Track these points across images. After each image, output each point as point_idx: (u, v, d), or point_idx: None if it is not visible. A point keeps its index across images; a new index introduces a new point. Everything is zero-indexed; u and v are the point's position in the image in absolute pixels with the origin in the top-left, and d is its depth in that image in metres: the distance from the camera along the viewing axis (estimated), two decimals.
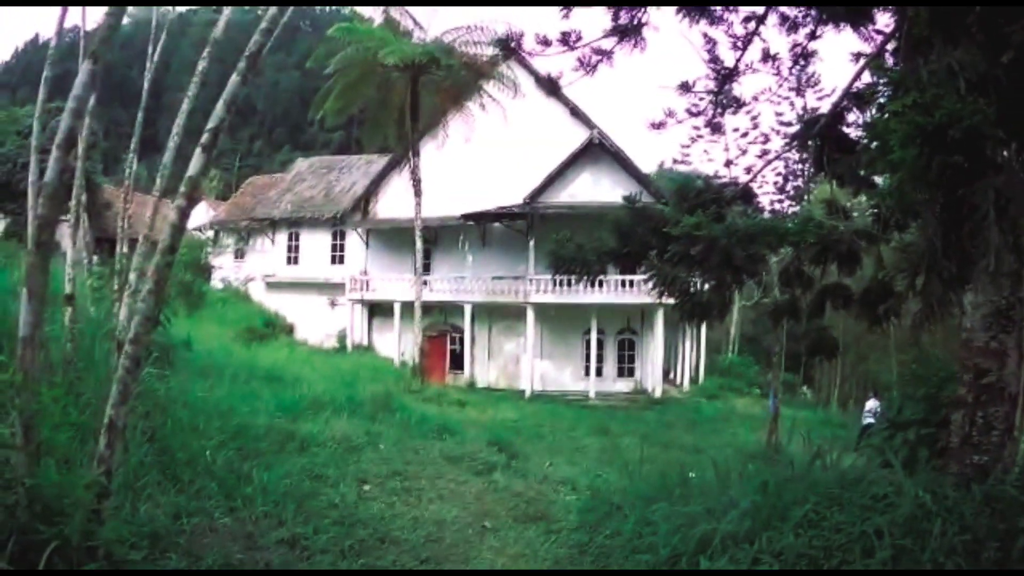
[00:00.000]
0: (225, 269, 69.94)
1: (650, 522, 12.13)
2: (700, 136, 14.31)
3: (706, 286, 13.40)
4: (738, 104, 15.50)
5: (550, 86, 14.59)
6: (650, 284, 13.23)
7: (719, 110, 15.60)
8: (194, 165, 9.57)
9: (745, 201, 14.87)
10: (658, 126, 15.44)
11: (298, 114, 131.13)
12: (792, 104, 15.74)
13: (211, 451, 13.53)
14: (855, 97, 13.61)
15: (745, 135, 14.83)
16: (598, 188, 51.36)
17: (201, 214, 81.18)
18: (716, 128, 16.05)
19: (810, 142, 14.24)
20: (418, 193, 46.46)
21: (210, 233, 73.67)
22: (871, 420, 35.15)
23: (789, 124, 15.49)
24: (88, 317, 17.82)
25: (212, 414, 16.02)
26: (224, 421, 16.04)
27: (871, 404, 37.18)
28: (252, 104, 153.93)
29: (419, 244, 46.64)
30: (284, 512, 12.21)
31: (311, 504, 13.11)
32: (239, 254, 70.37)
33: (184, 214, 9.49)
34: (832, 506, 10.41)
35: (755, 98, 15.56)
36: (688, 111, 15.54)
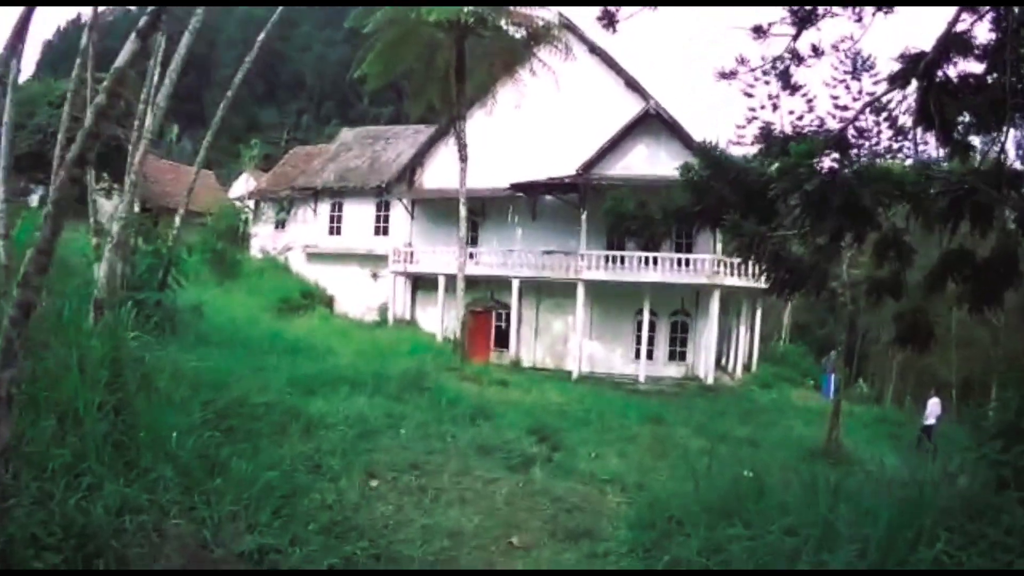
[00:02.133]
0: (265, 239, 68.28)
1: (720, 548, 9.76)
2: (773, 99, 11.85)
3: (802, 248, 10.98)
4: (816, 53, 13.04)
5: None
6: (731, 247, 10.84)
7: (795, 60, 13.19)
8: (123, 55, 7.18)
9: (840, 152, 12.46)
10: (729, 75, 13.10)
11: (347, 89, 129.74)
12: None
13: (182, 432, 11.24)
14: (955, 42, 11.41)
15: (811, 102, 12.62)
16: (655, 161, 48.70)
17: (242, 185, 79.51)
18: (789, 83, 13.39)
19: (914, 82, 11.78)
20: (463, 159, 43.87)
21: (251, 203, 72.01)
22: (933, 421, 35.66)
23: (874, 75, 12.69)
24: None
25: (204, 387, 13.98)
26: (216, 395, 13.91)
27: (933, 403, 36.74)
28: (301, 78, 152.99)
29: (463, 212, 44.11)
30: (259, 513, 10.13)
31: (297, 504, 11.09)
32: (280, 224, 68.41)
33: (102, 113, 7.08)
34: (966, 545, 7.99)
35: (835, 47, 12.93)
36: (763, 59, 13.13)
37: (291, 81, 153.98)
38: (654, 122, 50.30)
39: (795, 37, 12.81)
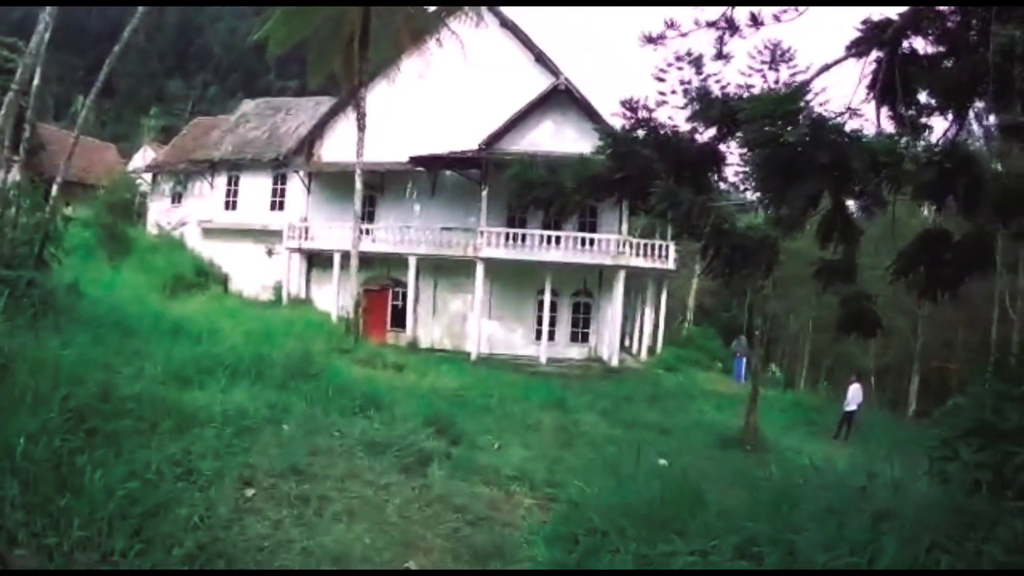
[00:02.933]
0: (161, 215, 66.40)
1: (658, 568, 8.35)
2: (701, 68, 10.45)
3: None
4: (755, 23, 11.48)
5: None
6: (663, 220, 9.58)
7: (729, 31, 11.74)
8: None
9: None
10: (655, 39, 11.67)
11: (254, 61, 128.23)
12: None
13: (33, 436, 9.89)
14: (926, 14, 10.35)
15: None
16: (561, 138, 47.46)
17: (142, 158, 77.76)
18: (722, 56, 11.98)
19: (873, 52, 10.49)
20: (362, 128, 42.03)
21: (147, 176, 70.28)
22: (854, 407, 35.83)
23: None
24: None
25: (67, 379, 12.32)
26: (78, 389, 12.27)
27: (854, 389, 36.50)
28: (209, 49, 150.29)
29: (359, 184, 42.26)
30: (115, 538, 8.64)
31: (161, 523, 9.57)
32: (176, 199, 66.55)
33: None
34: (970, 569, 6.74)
35: (777, 18, 11.50)
36: (695, 22, 11.71)
37: (200, 53, 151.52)
38: (563, 98, 49.30)
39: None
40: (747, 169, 10.24)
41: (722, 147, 10.80)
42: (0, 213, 19.45)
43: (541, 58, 52.32)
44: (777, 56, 11.73)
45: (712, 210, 9.48)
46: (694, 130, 10.93)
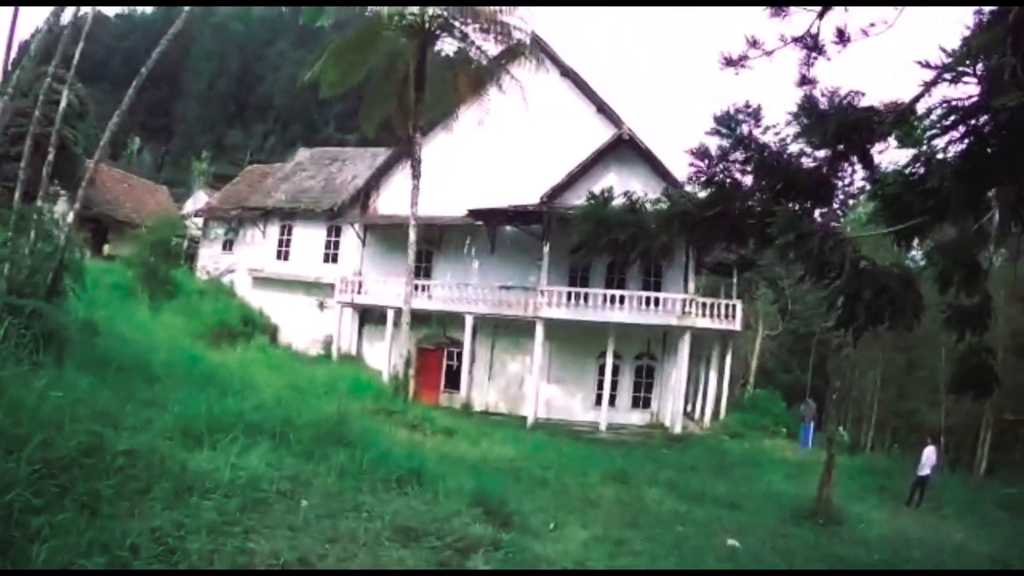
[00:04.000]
0: (212, 260, 64.92)
1: None
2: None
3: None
4: (842, 39, 10.14)
5: None
6: (789, 259, 7.67)
7: (814, 50, 10.36)
8: None
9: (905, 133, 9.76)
10: (735, 62, 10.37)
11: (314, 113, 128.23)
12: None
13: None
14: None
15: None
16: (626, 189, 44.33)
17: (195, 203, 77.01)
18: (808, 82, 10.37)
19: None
20: (416, 175, 40.39)
21: (198, 221, 69.18)
22: (928, 472, 34.28)
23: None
24: None
25: (50, 425, 10.64)
26: (61, 437, 10.54)
27: (929, 452, 34.99)
28: (269, 100, 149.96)
29: (412, 236, 40.43)
30: None
31: None
32: (227, 245, 65.13)
33: None
34: None
35: (864, 32, 9.82)
36: (781, 39, 10.22)
37: (260, 103, 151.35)
38: (626, 149, 47.73)
39: (820, 15, 10.08)
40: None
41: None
42: (12, 239, 17.72)
43: (603, 108, 51.00)
44: None
45: (847, 243, 7.31)
46: (802, 152, 9.73)
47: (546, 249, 46.46)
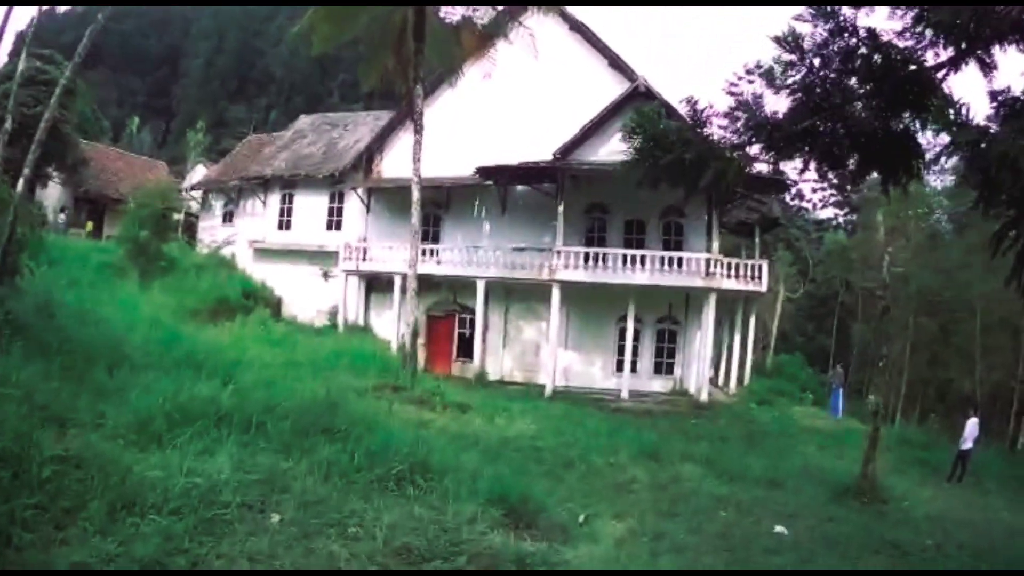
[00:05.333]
0: (212, 233, 63.47)
1: None
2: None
3: None
4: None
5: None
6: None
7: None
8: None
9: None
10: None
11: (317, 84, 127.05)
12: None
13: None
14: None
15: None
16: None
17: (192, 177, 75.29)
18: None
19: None
20: (418, 129, 37.74)
21: (197, 194, 67.79)
22: (970, 445, 32.95)
23: None
24: None
25: None
26: None
27: (972, 424, 33.39)
28: (271, 73, 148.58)
29: (416, 194, 37.79)
30: None
31: None
32: (227, 217, 63.88)
33: None
34: None
35: None
36: None
37: (262, 77, 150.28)
38: (643, 102, 42.71)
39: None
40: None
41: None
42: None
43: (616, 62, 48.53)
44: None
45: None
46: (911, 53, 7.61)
47: (560, 208, 44.08)
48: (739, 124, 7.84)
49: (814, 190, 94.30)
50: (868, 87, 7.65)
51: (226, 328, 40.23)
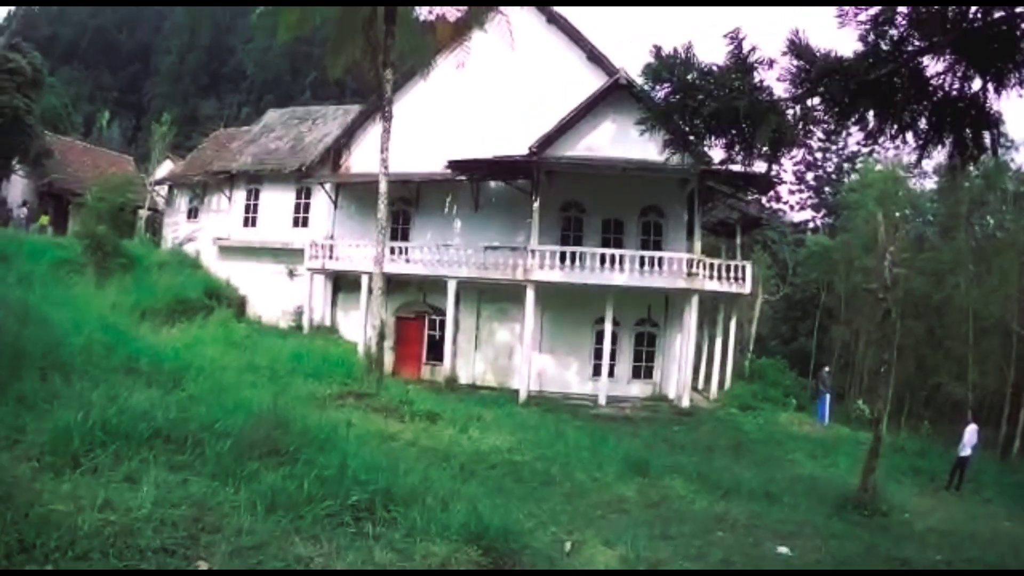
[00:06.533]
0: (176, 230, 61.74)
1: None
2: None
3: None
4: None
5: None
6: None
7: None
8: None
9: None
10: None
11: (290, 81, 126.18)
12: None
13: None
14: None
15: None
16: (623, 141, 41.05)
17: (162, 171, 73.01)
18: None
19: None
20: (387, 117, 36.09)
21: (163, 190, 66.54)
22: (969, 452, 32.57)
23: None
24: None
25: None
26: None
27: (971, 431, 33.06)
28: (243, 70, 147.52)
29: (383, 186, 36.08)
30: None
31: None
32: (192, 214, 62.04)
33: None
34: None
35: None
36: None
37: (234, 73, 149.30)
38: (624, 96, 42.56)
39: None
40: None
41: None
42: None
43: (594, 56, 47.47)
44: None
45: None
46: None
47: (536, 205, 42.61)
48: (797, 70, 6.22)
49: (791, 191, 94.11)
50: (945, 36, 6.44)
51: (184, 330, 38.42)
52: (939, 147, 7.57)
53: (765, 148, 6.70)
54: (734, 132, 6.66)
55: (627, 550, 14.82)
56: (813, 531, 20.46)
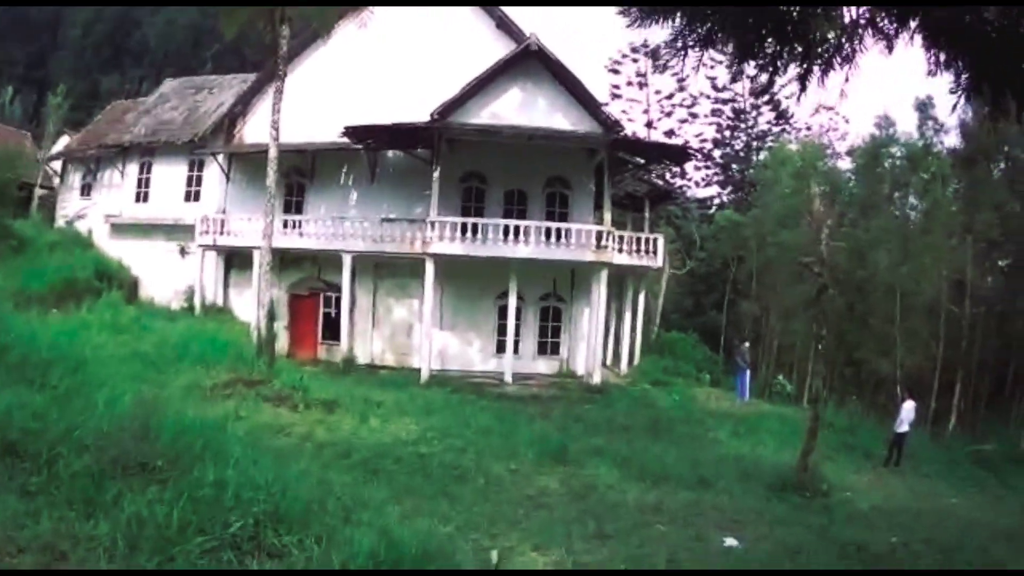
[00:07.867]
0: (69, 209, 59.34)
1: None
2: None
3: None
4: None
5: None
6: None
7: None
8: None
9: None
10: None
11: (192, 55, 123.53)
12: None
13: None
14: None
15: None
16: (531, 109, 41.60)
17: (59, 147, 70.35)
18: None
19: None
20: (280, 77, 34.66)
21: (57, 166, 63.83)
22: (906, 428, 32.66)
23: None
24: None
25: None
26: None
27: (908, 408, 33.16)
28: (146, 44, 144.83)
29: (273, 151, 34.64)
30: None
31: None
32: (85, 190, 59.28)
33: None
34: None
35: None
36: None
37: (137, 47, 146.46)
38: (534, 63, 41.98)
39: None
40: None
41: None
42: None
43: (503, 23, 45.92)
44: None
45: None
46: None
47: (436, 175, 41.04)
48: None
49: (696, 168, 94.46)
50: None
51: (69, 316, 36.94)
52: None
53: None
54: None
55: (560, 554, 13.88)
56: (756, 517, 19.75)
